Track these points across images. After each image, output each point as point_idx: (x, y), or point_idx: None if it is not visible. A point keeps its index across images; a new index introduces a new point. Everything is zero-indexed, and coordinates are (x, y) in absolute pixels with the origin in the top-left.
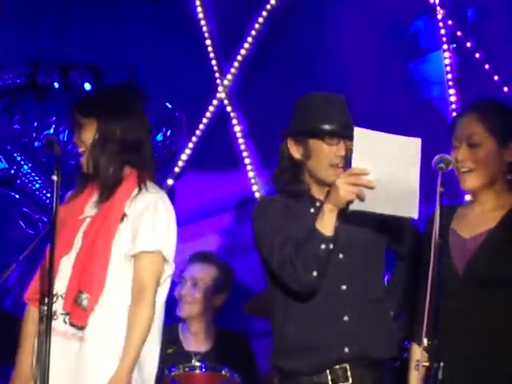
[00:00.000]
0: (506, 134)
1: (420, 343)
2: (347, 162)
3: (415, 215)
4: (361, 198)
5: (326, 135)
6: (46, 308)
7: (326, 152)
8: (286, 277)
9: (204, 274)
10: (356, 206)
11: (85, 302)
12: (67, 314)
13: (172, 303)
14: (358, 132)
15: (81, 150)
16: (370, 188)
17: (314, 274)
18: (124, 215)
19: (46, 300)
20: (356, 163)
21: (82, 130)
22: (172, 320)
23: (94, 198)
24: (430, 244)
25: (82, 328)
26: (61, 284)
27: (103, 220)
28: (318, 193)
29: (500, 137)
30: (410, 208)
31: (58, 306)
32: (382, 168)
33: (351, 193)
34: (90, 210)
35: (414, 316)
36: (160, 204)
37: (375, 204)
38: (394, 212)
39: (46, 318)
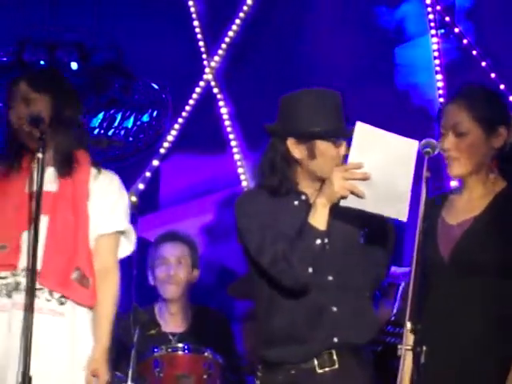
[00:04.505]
0: (493, 120)
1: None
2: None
3: (404, 218)
4: (356, 194)
5: (334, 137)
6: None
7: (333, 153)
8: (279, 274)
9: (183, 252)
10: (347, 203)
11: (86, 282)
12: (49, 290)
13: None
14: (360, 127)
15: (20, 122)
16: (365, 179)
17: (310, 270)
18: (88, 193)
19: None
20: (352, 158)
21: (30, 103)
22: (147, 301)
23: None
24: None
25: (88, 306)
26: (27, 259)
27: (73, 197)
28: (304, 187)
29: (487, 124)
30: (399, 210)
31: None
32: (378, 166)
33: (345, 188)
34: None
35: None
36: (122, 185)
37: (366, 202)
38: (383, 212)
39: (31, 293)
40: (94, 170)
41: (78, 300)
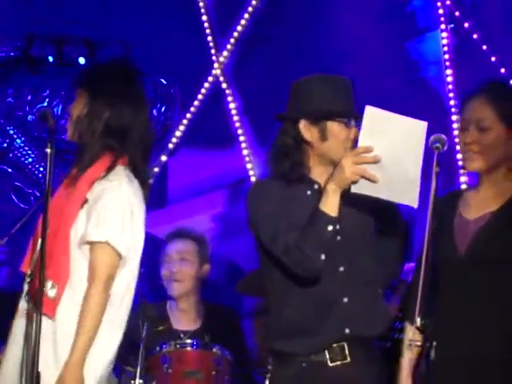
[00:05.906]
0: None
1: (412, 322)
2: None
3: (415, 204)
4: (367, 179)
5: (346, 118)
6: (35, 286)
7: (343, 135)
8: (291, 262)
9: (188, 248)
10: (357, 189)
11: (52, 292)
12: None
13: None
14: (369, 110)
15: (70, 118)
16: (376, 163)
17: (322, 257)
18: (85, 200)
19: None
20: (362, 142)
21: (75, 99)
22: (160, 298)
23: None
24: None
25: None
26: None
27: (66, 203)
28: (317, 176)
29: (509, 121)
30: (410, 196)
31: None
32: (387, 149)
33: (356, 173)
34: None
35: (408, 296)
36: (112, 193)
37: (377, 187)
38: (393, 198)
39: (39, 296)
40: (100, 176)
41: (41, 309)
